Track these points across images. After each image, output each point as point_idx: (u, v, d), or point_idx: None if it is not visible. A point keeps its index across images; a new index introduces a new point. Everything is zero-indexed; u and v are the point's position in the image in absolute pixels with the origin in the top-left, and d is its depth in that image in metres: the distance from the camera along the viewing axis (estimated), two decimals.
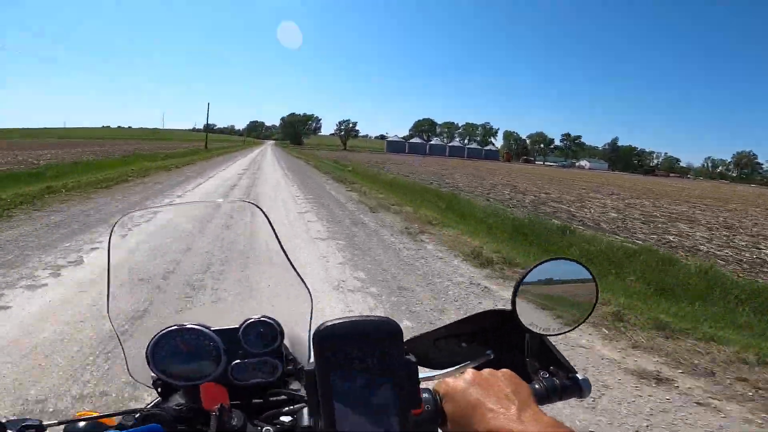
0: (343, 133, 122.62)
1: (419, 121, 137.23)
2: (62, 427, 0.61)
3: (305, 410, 0.58)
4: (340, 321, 0.49)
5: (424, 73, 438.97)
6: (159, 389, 0.72)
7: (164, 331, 0.70)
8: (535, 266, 0.63)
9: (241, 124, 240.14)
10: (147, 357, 0.70)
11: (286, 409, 0.65)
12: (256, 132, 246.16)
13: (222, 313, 1.05)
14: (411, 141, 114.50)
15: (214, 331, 0.71)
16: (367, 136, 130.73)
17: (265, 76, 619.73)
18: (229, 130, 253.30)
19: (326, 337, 0.48)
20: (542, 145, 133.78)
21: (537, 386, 0.60)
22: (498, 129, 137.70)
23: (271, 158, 31.64)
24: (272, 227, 0.79)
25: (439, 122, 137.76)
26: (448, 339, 0.69)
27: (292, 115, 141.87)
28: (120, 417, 0.64)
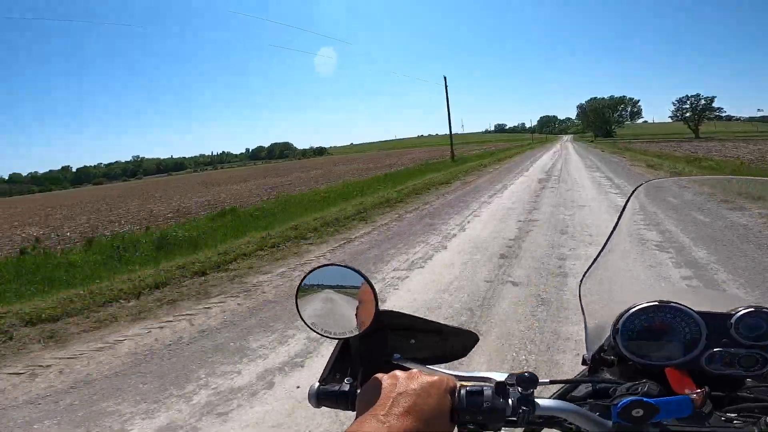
0: (688, 114, 79.67)
1: None
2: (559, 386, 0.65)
3: None
4: None
5: None
6: (592, 364, 0.71)
7: (642, 306, 0.68)
8: None
9: (531, 121, 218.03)
10: (616, 328, 0.68)
11: None
12: (548, 127, 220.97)
13: (698, 295, 0.94)
14: None
15: (698, 313, 0.67)
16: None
17: (555, 68, 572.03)
18: (520, 128, 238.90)
19: None
20: None
21: None
22: None
23: None
24: None
25: None
26: None
27: (594, 100, 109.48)
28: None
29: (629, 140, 59.27)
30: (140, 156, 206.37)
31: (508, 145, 66.97)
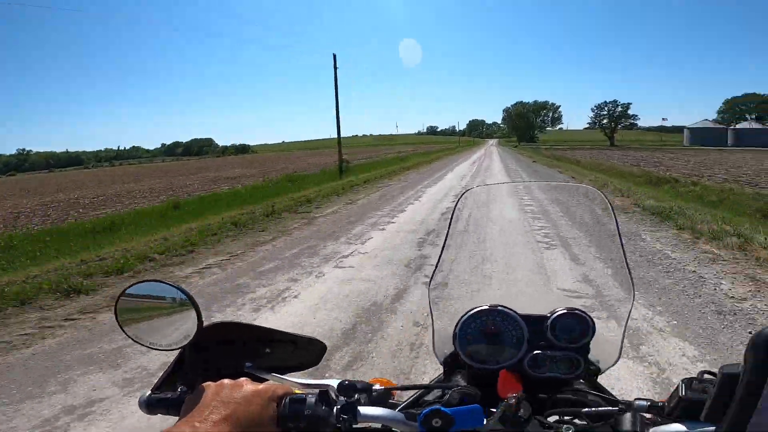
0: (605, 121, 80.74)
1: (736, 97, 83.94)
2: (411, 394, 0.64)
3: (627, 415, 0.53)
4: None
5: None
6: (445, 368, 0.73)
7: (476, 310, 0.69)
8: None
9: (459, 124, 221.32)
10: (455, 333, 0.69)
11: (587, 410, 0.57)
12: (477, 131, 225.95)
13: (523, 297, 0.98)
14: (743, 127, 66.13)
15: (520, 316, 0.68)
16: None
17: (483, 69, 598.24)
18: (451, 131, 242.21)
19: None
20: None
21: None
22: None
23: None
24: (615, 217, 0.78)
25: None
26: None
27: (519, 104, 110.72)
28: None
29: (551, 146, 57.95)
30: (26, 149, 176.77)
31: (434, 147, 63.83)
